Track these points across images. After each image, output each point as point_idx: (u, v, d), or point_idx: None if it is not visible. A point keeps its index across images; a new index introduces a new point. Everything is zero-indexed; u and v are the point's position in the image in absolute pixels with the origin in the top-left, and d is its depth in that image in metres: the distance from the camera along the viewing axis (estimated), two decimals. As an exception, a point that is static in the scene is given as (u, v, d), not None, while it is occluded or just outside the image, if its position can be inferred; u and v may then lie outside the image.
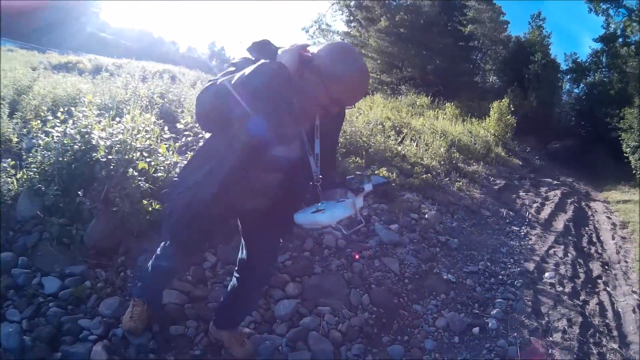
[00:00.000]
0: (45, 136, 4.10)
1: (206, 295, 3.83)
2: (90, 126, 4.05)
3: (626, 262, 8.02)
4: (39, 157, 4.01)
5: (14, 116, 5.84)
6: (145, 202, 3.87)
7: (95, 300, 3.40)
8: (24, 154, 4.37)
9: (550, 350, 4.42)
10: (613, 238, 9.58)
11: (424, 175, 8.48)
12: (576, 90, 37.21)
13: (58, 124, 4.08)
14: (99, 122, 4.28)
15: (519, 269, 6.25)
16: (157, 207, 3.93)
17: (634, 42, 28.44)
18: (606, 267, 7.59)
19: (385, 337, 4.14)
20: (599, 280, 6.79)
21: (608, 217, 11.75)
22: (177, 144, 4.69)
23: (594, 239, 9.32)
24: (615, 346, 4.85)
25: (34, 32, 36.27)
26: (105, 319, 3.25)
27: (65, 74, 11.64)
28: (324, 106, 2.10)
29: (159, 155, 4.36)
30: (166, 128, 4.83)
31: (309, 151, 2.33)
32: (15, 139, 5.16)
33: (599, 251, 8.46)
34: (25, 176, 4.03)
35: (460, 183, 9.84)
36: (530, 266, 6.50)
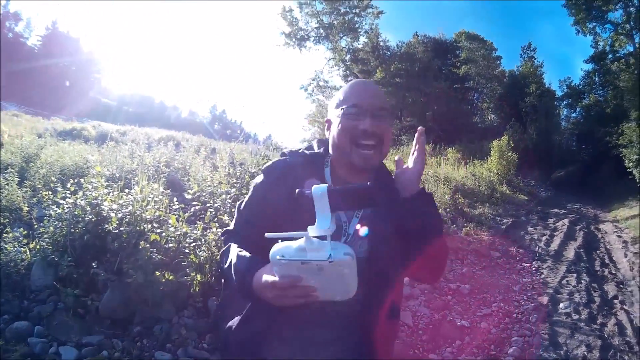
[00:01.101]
0: (56, 207, 4.17)
1: None
2: (100, 198, 4.16)
3: (641, 276, 8.02)
4: (51, 228, 4.05)
5: (23, 185, 5.99)
6: (158, 273, 3.88)
7: None
8: (35, 223, 4.38)
9: None
10: (625, 256, 9.57)
11: (431, 226, 8.48)
12: (574, 115, 37.58)
13: (68, 195, 4.15)
14: (109, 193, 4.38)
15: (532, 304, 6.30)
16: (171, 277, 3.95)
17: (623, 55, 28.91)
18: (621, 286, 7.60)
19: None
20: (615, 301, 6.80)
21: (618, 236, 11.74)
22: (186, 214, 4.72)
23: (607, 261, 9.32)
24: None
25: (37, 94, 36.87)
26: (124, 388, 3.28)
27: (71, 141, 11.94)
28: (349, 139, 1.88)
29: (169, 225, 4.39)
30: (175, 199, 4.93)
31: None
32: (25, 208, 5.24)
33: (613, 271, 8.47)
34: (38, 246, 4.06)
35: (468, 228, 9.92)
36: (544, 300, 6.54)
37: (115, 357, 3.43)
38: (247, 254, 1.84)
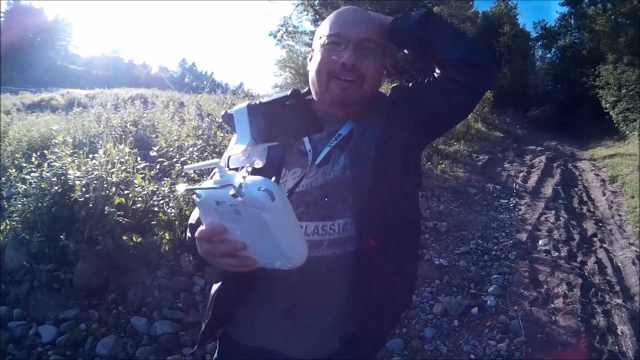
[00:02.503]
0: (22, 183, 4.08)
1: (198, 320, 3.75)
2: (65, 167, 4.02)
3: (620, 215, 8.02)
4: (19, 206, 3.97)
5: (-7, 165, 5.77)
6: (125, 237, 3.82)
7: (92, 342, 3.37)
8: (4, 203, 4.31)
9: (553, 317, 4.37)
10: (604, 194, 9.58)
11: (406, 164, 8.34)
12: (549, 56, 37.62)
13: (34, 169, 4.06)
14: (73, 161, 4.26)
15: (511, 241, 6.22)
16: (139, 240, 3.87)
17: (600, 0, 28.79)
18: (600, 224, 7.59)
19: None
20: (595, 239, 6.79)
21: (596, 174, 11.78)
22: (152, 172, 4.61)
23: (585, 198, 9.33)
24: (620, 301, 4.82)
25: (3, 70, 36.32)
26: (104, 359, 3.25)
27: (39, 113, 11.68)
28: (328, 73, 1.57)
29: (136, 186, 4.31)
30: (139, 158, 4.74)
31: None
32: (-5, 189, 5.10)
33: (591, 209, 8.46)
34: (8, 227, 3.97)
35: (443, 165, 9.81)
36: (523, 237, 6.46)
37: (93, 328, 3.45)
38: None
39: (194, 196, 1.13)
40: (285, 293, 1.50)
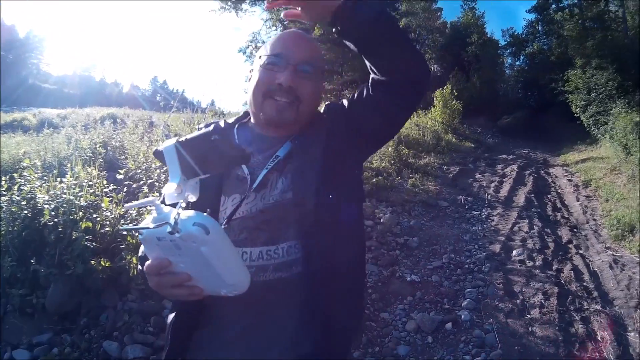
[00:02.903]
0: None
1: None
2: (33, 190, 4.03)
3: (595, 220, 8.02)
4: None
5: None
6: (93, 262, 3.84)
7: None
8: None
9: (530, 328, 4.31)
10: (577, 199, 9.60)
11: (375, 179, 8.38)
12: (518, 63, 38.41)
13: (4, 193, 4.04)
14: (42, 184, 4.28)
15: (484, 253, 6.15)
16: (108, 264, 3.92)
17: (567, 5, 29.73)
18: (575, 229, 7.58)
19: (355, 353, 4.00)
20: (570, 245, 6.74)
21: (569, 180, 11.84)
22: (119, 195, 4.63)
23: (559, 205, 9.32)
24: (598, 307, 4.78)
25: None
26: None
27: (11, 133, 11.70)
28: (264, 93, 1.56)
29: (104, 210, 4.33)
30: (105, 181, 4.79)
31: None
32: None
33: (566, 215, 8.45)
34: None
35: (414, 179, 9.75)
36: (497, 248, 6.39)
37: (65, 352, 3.45)
38: None
39: (137, 234, 1.24)
40: (236, 319, 1.48)
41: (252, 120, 1.68)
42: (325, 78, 1.59)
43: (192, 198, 1.20)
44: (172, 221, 1.07)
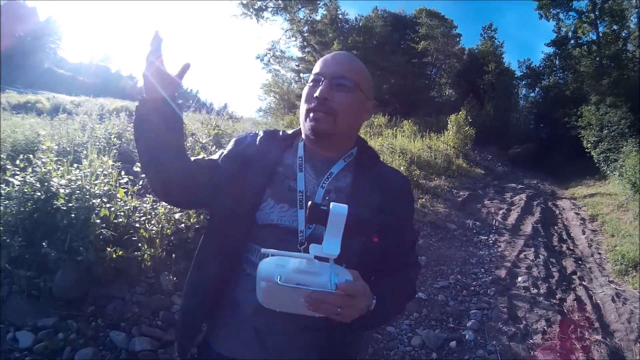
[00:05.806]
0: (5, 185, 3.99)
1: (177, 338, 3.72)
2: (49, 173, 3.98)
3: (599, 254, 8.05)
4: (1, 208, 3.88)
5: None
6: (109, 249, 3.80)
7: (69, 352, 3.34)
8: None
9: (532, 353, 4.35)
10: (583, 232, 9.63)
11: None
12: (532, 95, 37.88)
13: (18, 172, 3.98)
14: (58, 168, 4.20)
15: (490, 277, 6.21)
16: (121, 253, 3.87)
17: (586, 42, 29.64)
18: (580, 262, 7.61)
19: (362, 363, 4.03)
20: (574, 276, 6.79)
21: (576, 213, 11.82)
22: (135, 188, 4.58)
23: (565, 237, 9.35)
24: (599, 337, 4.82)
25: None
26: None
27: (24, 115, 11.58)
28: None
29: (118, 200, 4.29)
30: (122, 172, 4.70)
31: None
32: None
33: (571, 247, 8.49)
34: None
35: (424, 199, 9.83)
36: (502, 273, 6.45)
37: (71, 338, 3.42)
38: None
39: (276, 279, 1.25)
40: (248, 319, 1.56)
41: (302, 136, 1.75)
42: (366, 96, 1.68)
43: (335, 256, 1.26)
44: (333, 279, 1.23)
